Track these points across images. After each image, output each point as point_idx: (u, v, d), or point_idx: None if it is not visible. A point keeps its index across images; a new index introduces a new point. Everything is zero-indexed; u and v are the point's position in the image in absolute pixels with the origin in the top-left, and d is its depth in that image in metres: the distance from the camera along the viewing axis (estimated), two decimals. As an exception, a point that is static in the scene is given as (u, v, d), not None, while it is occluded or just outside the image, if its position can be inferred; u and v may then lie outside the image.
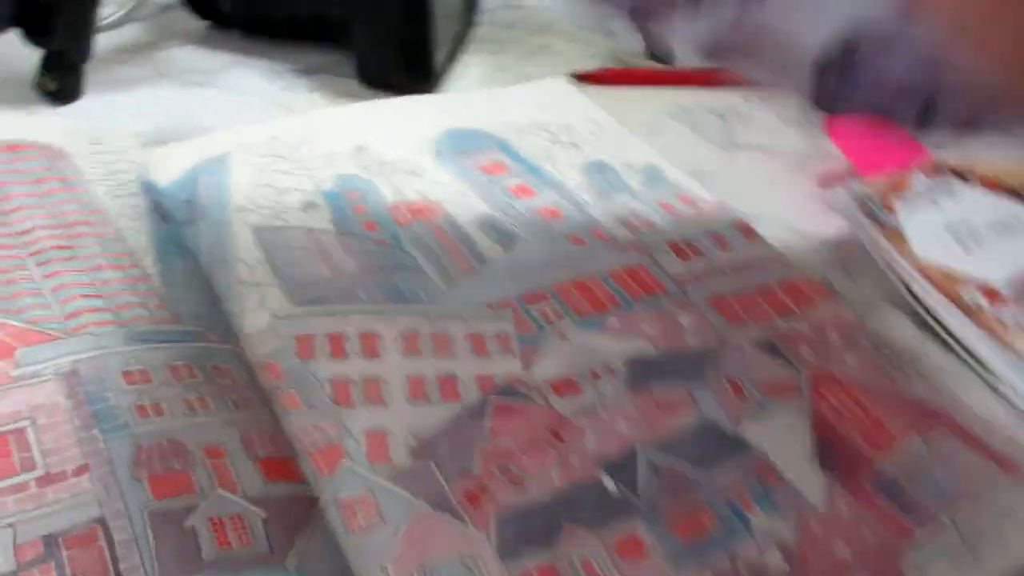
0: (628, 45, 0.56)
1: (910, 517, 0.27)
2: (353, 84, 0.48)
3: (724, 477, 0.28)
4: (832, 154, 0.47)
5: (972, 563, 0.26)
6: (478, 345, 0.32)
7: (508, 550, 0.25)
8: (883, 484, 0.28)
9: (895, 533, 0.27)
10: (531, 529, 0.26)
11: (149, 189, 0.34)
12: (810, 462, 0.29)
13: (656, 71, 0.55)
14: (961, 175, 0.44)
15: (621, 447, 0.29)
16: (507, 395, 0.30)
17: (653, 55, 0.56)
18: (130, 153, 0.36)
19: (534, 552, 0.25)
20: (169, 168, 0.35)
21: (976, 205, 0.42)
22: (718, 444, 0.29)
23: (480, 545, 0.25)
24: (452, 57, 0.53)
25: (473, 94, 0.50)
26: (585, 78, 0.53)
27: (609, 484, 0.28)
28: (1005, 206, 0.42)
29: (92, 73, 0.43)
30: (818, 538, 0.27)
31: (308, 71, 0.49)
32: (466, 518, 0.26)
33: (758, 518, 0.27)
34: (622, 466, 0.28)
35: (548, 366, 0.31)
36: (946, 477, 0.29)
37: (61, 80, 0.41)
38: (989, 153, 0.46)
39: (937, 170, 0.45)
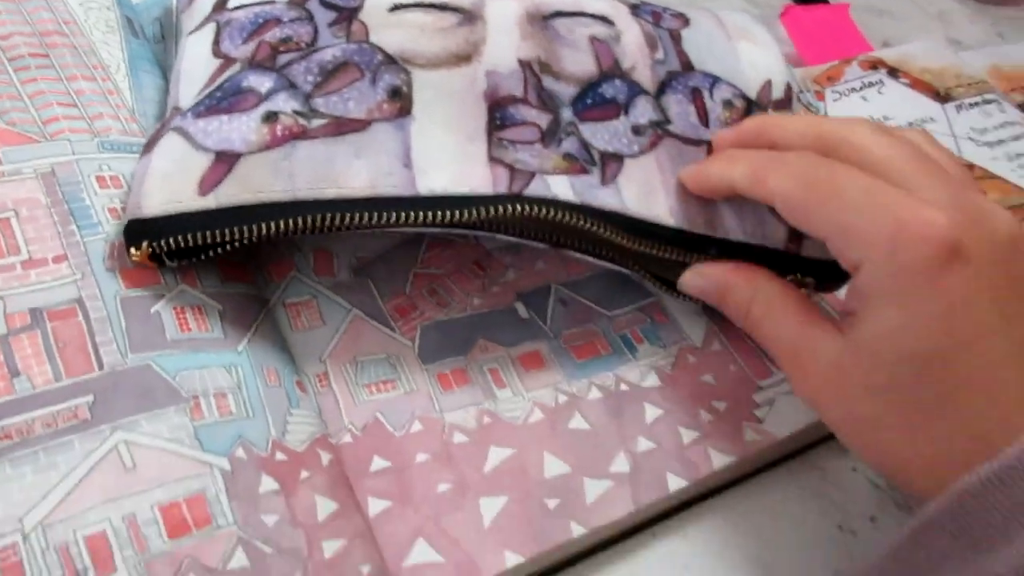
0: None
1: (770, 359, 0.32)
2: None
3: (622, 314, 0.33)
4: (783, 39, 0.49)
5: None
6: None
7: (428, 355, 0.30)
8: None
9: (755, 370, 0.32)
10: (449, 340, 0.31)
11: (123, 3, 0.36)
12: (696, 309, 0.33)
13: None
14: (894, 71, 0.47)
15: (536, 282, 0.33)
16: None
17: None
18: (103, -33, 0.37)
19: (450, 359, 0.30)
20: (141, -14, 0.37)
21: (899, 102, 0.45)
22: (621, 288, 0.34)
23: (404, 349, 0.30)
24: None
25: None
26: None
27: (522, 311, 0.32)
28: (925, 106, 0.46)
29: None
30: (690, 367, 0.32)
31: None
32: (395, 327, 0.30)
33: (644, 348, 0.32)
34: (535, 297, 0.33)
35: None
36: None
37: None
38: (924, 52, 0.49)
39: (873, 65, 0.47)
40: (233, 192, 0.26)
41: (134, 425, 0.24)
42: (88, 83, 0.31)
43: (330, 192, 0.26)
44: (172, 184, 0.26)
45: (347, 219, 0.26)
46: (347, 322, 0.30)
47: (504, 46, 0.30)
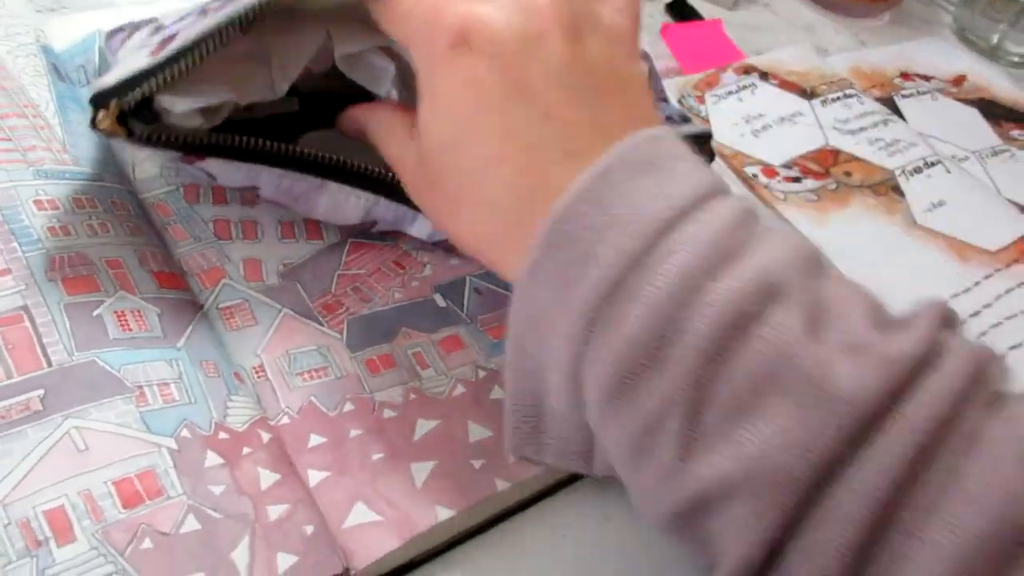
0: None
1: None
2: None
3: (531, 298, 0.36)
4: (664, 53, 0.54)
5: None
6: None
7: (355, 344, 0.33)
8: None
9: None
10: (374, 330, 0.33)
11: (47, 52, 0.38)
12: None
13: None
14: (765, 75, 0.53)
15: (452, 275, 0.36)
16: (362, 236, 0.37)
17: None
18: (26, 18, 0.40)
19: (376, 347, 0.33)
20: (65, 35, 0.40)
21: (771, 101, 0.51)
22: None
23: (333, 340, 0.33)
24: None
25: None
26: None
27: (440, 300, 0.35)
28: (793, 102, 0.51)
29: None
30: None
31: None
32: (323, 322, 0.33)
33: (552, 325, 0.35)
34: (451, 288, 0.36)
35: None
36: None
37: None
38: (792, 57, 0.55)
39: (746, 70, 0.53)
40: (177, 45, 0.28)
41: (84, 413, 0.26)
42: (20, 119, 0.34)
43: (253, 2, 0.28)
44: (126, 66, 0.28)
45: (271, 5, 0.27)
46: (278, 320, 0.33)
47: None
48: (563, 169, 0.23)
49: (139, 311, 0.30)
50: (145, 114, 0.28)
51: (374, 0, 0.27)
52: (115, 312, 0.29)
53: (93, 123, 0.27)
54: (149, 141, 0.28)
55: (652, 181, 0.22)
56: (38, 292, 0.28)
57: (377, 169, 0.33)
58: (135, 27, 0.35)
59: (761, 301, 0.20)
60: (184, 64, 0.27)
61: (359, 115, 0.31)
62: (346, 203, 0.34)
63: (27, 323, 0.28)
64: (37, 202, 0.31)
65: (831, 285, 0.22)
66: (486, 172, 0.24)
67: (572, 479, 0.32)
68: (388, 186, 0.33)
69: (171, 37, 0.28)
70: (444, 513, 0.28)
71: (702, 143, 0.35)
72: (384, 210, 0.34)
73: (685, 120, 0.36)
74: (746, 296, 0.20)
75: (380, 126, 0.29)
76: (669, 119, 0.36)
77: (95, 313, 0.29)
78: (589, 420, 0.23)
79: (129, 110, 0.28)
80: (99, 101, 0.27)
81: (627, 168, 0.22)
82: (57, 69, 0.38)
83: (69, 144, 0.34)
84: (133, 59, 0.29)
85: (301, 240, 0.36)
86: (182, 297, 0.32)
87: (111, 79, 0.28)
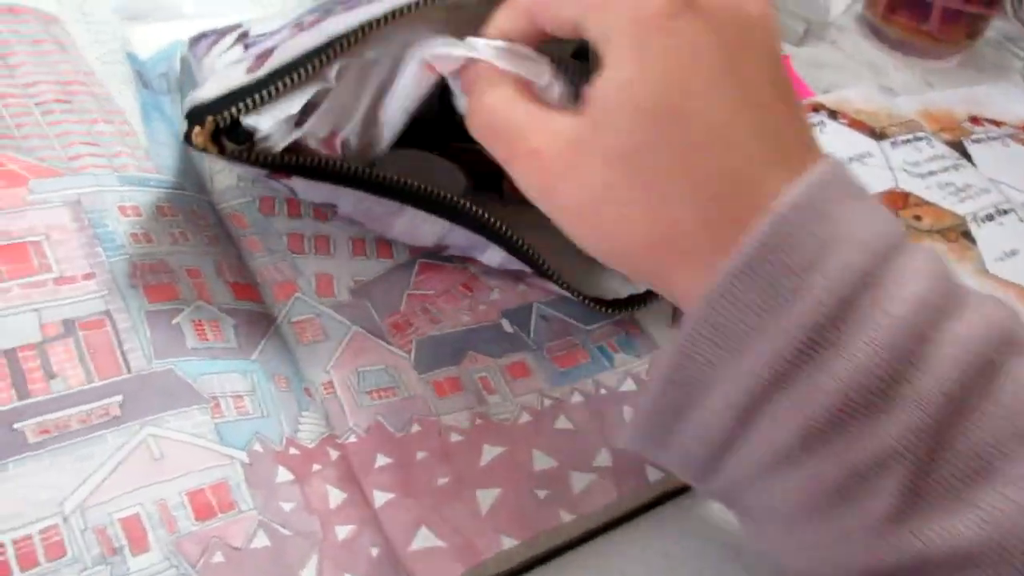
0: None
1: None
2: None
3: (598, 328, 0.36)
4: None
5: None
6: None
7: (423, 366, 0.33)
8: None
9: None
10: (442, 353, 0.33)
11: (133, 59, 0.39)
12: (667, 321, 0.37)
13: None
14: (833, 114, 0.52)
15: (519, 301, 0.36)
16: (431, 257, 0.37)
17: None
18: (113, 25, 0.40)
19: (443, 369, 0.33)
20: (149, 44, 0.40)
21: (839, 140, 0.50)
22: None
23: (401, 360, 0.32)
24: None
25: None
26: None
27: (507, 326, 0.35)
28: (863, 143, 0.50)
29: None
30: (662, 373, 0.35)
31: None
32: (392, 342, 0.33)
33: (620, 357, 0.35)
34: (518, 314, 0.36)
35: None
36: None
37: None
38: (860, 96, 0.54)
39: (815, 108, 0.52)
40: (274, 64, 0.28)
41: (161, 421, 0.26)
42: (107, 125, 0.34)
43: (355, 22, 0.28)
44: (223, 80, 0.28)
45: (374, 25, 0.27)
46: (348, 337, 0.33)
47: None
48: (779, 169, 0.21)
49: (216, 321, 0.30)
50: (238, 131, 0.28)
51: None
52: (193, 321, 0.29)
53: (187, 138, 0.27)
54: (239, 158, 0.29)
55: (866, 205, 0.20)
56: (120, 298, 0.29)
57: (456, 198, 0.33)
58: (220, 33, 0.36)
59: (1003, 350, 0.19)
60: (284, 82, 0.28)
61: (485, 81, 0.25)
62: (421, 227, 0.34)
63: (109, 328, 0.28)
64: (121, 208, 0.31)
65: None
66: (697, 153, 0.21)
67: (633, 515, 0.32)
68: (465, 215, 0.33)
69: (268, 52, 0.29)
70: (508, 542, 0.28)
71: None
72: (458, 237, 0.34)
73: None
74: (989, 341, 0.19)
75: (502, 89, 0.25)
76: None
77: (174, 322, 0.29)
78: (748, 449, 0.20)
79: (224, 127, 0.28)
80: (195, 116, 0.28)
81: (843, 186, 0.21)
82: (141, 76, 0.39)
83: (152, 152, 0.35)
84: (229, 73, 0.29)
85: (372, 258, 0.36)
86: (256, 309, 0.32)
87: (208, 93, 0.28)
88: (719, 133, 0.21)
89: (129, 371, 0.27)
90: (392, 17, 0.28)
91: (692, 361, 0.21)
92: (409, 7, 0.28)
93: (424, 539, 0.27)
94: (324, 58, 0.28)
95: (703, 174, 0.21)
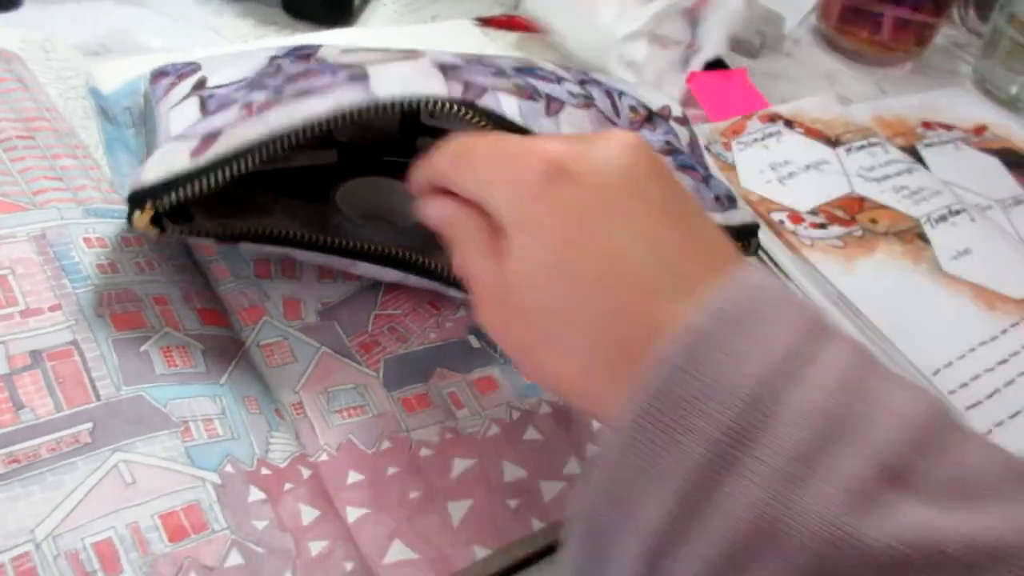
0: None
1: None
2: (278, 13, 0.54)
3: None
4: (691, 101, 0.55)
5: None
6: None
7: (392, 383, 0.33)
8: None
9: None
10: (410, 370, 0.34)
11: (95, 94, 0.40)
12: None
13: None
14: (790, 123, 0.53)
15: (486, 316, 0.37)
16: (398, 276, 0.37)
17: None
18: (75, 62, 0.41)
19: (412, 386, 0.33)
20: (112, 79, 0.41)
21: (796, 149, 0.51)
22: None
23: (370, 379, 0.33)
24: (367, -6, 0.58)
25: (386, 29, 0.56)
26: (487, 22, 0.59)
27: (474, 341, 0.36)
28: (819, 150, 0.52)
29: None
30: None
31: (237, -1, 0.54)
32: (360, 360, 0.34)
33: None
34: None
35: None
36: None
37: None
38: (815, 106, 0.56)
39: (771, 118, 0.54)
40: (218, 151, 0.29)
41: (131, 447, 0.27)
42: (71, 160, 0.35)
43: (299, 119, 0.29)
44: (167, 161, 0.29)
45: (313, 130, 0.29)
46: (317, 358, 0.33)
47: (444, 54, 0.34)
48: (674, 297, 0.22)
49: (184, 347, 0.30)
50: (179, 213, 0.29)
51: (441, 159, 0.27)
52: (161, 348, 0.30)
53: (129, 220, 0.28)
54: (182, 235, 0.30)
55: (765, 331, 0.20)
56: (87, 327, 0.29)
57: (405, 253, 0.34)
58: (179, 74, 0.36)
59: (879, 483, 0.19)
60: (224, 172, 0.28)
61: (445, 211, 0.27)
62: (382, 271, 0.34)
63: (77, 357, 0.28)
64: (87, 240, 0.32)
65: (960, 452, 0.20)
66: (592, 300, 0.22)
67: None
68: (420, 268, 0.34)
69: (214, 135, 0.29)
70: (481, 552, 0.28)
71: (748, 235, 0.36)
72: (417, 281, 0.35)
73: (731, 200, 0.37)
74: (864, 476, 0.19)
75: (467, 235, 0.26)
76: (717, 199, 0.36)
77: (142, 349, 0.29)
78: None
79: (164, 212, 0.28)
80: (136, 200, 0.28)
81: (739, 309, 0.21)
82: (105, 111, 0.39)
83: (116, 184, 0.35)
84: (172, 154, 0.29)
85: (339, 280, 0.37)
86: (224, 334, 0.32)
87: (150, 176, 0.28)
88: (606, 279, 0.22)
89: (98, 399, 0.27)
90: (336, 122, 0.29)
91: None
92: (353, 113, 0.29)
93: (398, 552, 0.28)
94: (264, 151, 0.29)
95: (593, 323, 0.22)
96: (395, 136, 0.35)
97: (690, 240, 0.23)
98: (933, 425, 0.20)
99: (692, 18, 0.55)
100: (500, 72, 0.33)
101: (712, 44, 0.55)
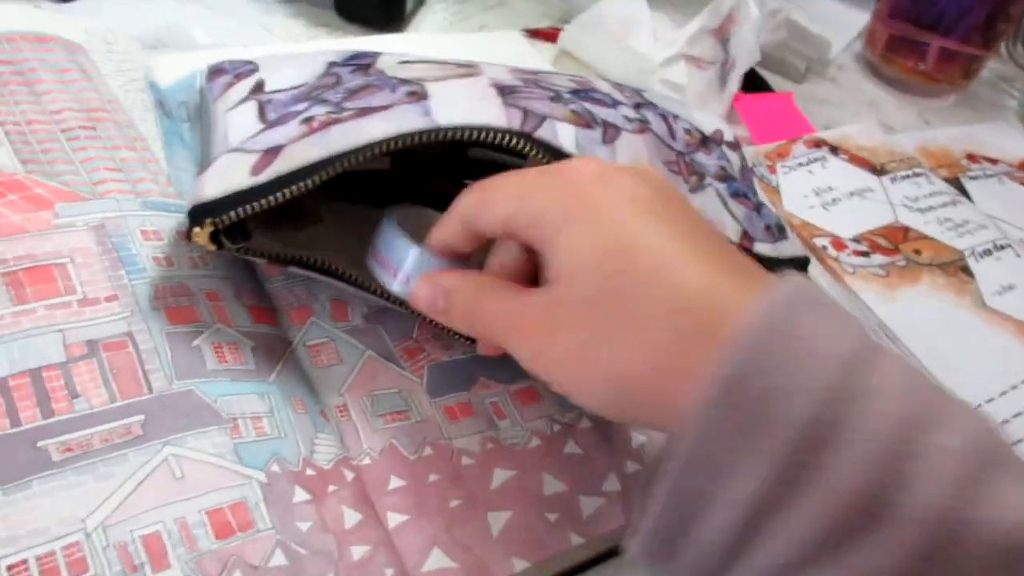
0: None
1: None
2: (330, 15, 0.54)
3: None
4: (736, 121, 0.55)
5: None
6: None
7: (435, 390, 0.33)
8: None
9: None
10: (453, 378, 0.34)
11: (153, 88, 0.40)
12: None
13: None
14: (835, 149, 0.53)
15: (529, 328, 0.37)
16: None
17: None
18: (135, 54, 0.42)
19: (455, 394, 0.33)
20: (170, 73, 0.41)
21: (841, 175, 0.51)
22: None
23: (414, 385, 0.33)
24: (420, 1, 0.59)
25: (436, 37, 0.56)
26: (534, 33, 0.60)
27: (517, 352, 0.36)
28: (863, 178, 0.51)
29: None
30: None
31: (289, -1, 0.55)
32: (405, 366, 0.34)
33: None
34: (529, 340, 0.36)
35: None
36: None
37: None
38: (860, 133, 0.55)
39: (817, 143, 0.53)
40: (279, 169, 0.29)
41: (181, 441, 0.27)
42: (130, 152, 0.35)
43: (360, 141, 0.29)
44: (226, 176, 0.29)
45: (373, 151, 0.29)
46: (362, 361, 0.33)
47: (501, 71, 0.35)
48: (735, 281, 0.22)
49: (235, 344, 0.31)
50: (237, 230, 0.29)
51: (467, 202, 0.27)
52: (212, 343, 0.30)
53: (188, 236, 0.28)
54: (237, 253, 0.30)
55: (832, 316, 0.21)
56: (142, 319, 0.29)
57: None
58: (236, 73, 0.37)
59: (987, 463, 0.19)
60: (284, 192, 0.28)
61: (434, 290, 0.28)
62: None
63: (131, 349, 0.29)
64: (144, 232, 0.32)
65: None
66: (652, 274, 0.22)
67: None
68: None
69: (274, 151, 0.29)
70: (520, 564, 0.28)
71: (798, 269, 0.36)
72: None
73: (781, 230, 0.37)
74: (975, 456, 0.19)
75: (473, 292, 0.27)
76: (767, 228, 0.36)
77: (194, 343, 0.30)
78: (751, 565, 0.20)
79: (223, 229, 0.28)
80: (196, 216, 0.28)
81: (808, 300, 0.21)
82: (162, 104, 0.40)
83: (173, 178, 0.36)
84: (232, 166, 0.29)
85: (383, 284, 0.37)
86: (273, 332, 0.33)
87: (209, 192, 0.29)
88: (671, 259, 0.22)
89: (151, 391, 0.28)
90: (395, 143, 0.29)
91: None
92: (412, 135, 0.29)
93: (437, 560, 0.28)
94: (324, 174, 0.29)
95: (665, 300, 0.22)
96: (447, 147, 0.35)
97: (732, 250, 0.24)
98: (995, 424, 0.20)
99: (722, 36, 0.55)
100: (557, 96, 0.33)
101: (745, 57, 0.54)
